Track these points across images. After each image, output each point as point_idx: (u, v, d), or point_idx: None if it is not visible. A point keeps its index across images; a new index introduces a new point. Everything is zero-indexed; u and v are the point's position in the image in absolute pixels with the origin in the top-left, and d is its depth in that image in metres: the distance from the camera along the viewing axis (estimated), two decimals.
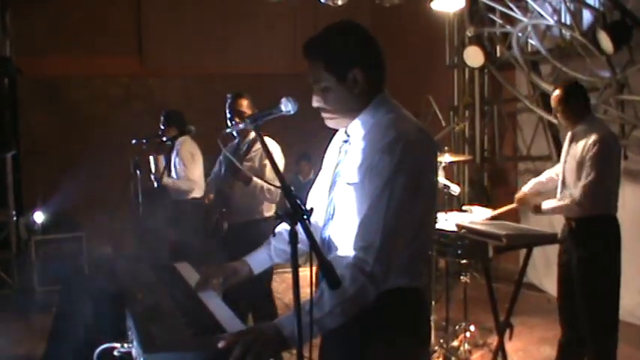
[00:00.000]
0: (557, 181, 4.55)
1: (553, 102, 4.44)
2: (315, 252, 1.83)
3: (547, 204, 4.40)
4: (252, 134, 5.06)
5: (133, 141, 6.30)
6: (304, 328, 1.85)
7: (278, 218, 1.91)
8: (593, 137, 4.18)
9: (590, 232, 4.26)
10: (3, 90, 7.45)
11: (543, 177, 4.84)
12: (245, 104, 5.05)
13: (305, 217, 1.85)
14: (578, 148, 4.28)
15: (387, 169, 2.10)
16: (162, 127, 6.75)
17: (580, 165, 4.22)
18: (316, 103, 2.30)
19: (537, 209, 4.45)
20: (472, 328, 5.37)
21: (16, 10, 8.25)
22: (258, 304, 4.94)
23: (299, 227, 1.86)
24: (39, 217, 8.09)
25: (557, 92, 4.41)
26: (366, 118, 2.27)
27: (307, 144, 7.71)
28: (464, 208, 5.47)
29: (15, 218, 7.92)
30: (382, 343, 2.20)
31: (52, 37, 8.79)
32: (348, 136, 2.32)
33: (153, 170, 6.38)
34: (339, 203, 2.27)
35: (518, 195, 4.91)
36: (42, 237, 7.95)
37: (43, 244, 7.89)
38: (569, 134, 4.46)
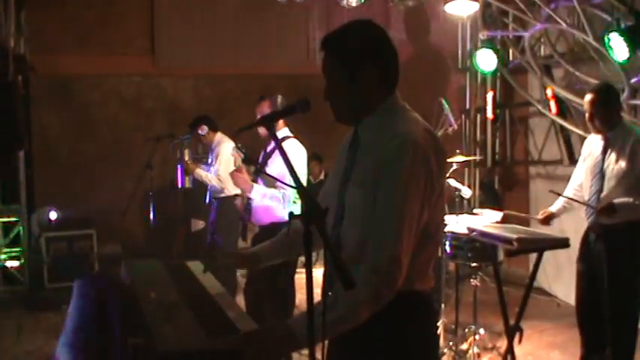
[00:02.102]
0: (582, 194, 4.50)
1: (591, 105, 4.32)
2: (331, 253, 1.83)
3: (621, 201, 4.17)
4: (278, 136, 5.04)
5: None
6: (317, 330, 1.85)
7: (293, 219, 1.90)
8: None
9: (628, 236, 4.24)
10: (16, 88, 7.48)
11: (570, 194, 4.75)
12: (267, 105, 5.04)
13: (320, 218, 1.85)
14: (620, 152, 4.22)
15: (397, 172, 2.10)
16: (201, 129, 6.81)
17: (628, 170, 4.18)
18: (327, 98, 2.31)
19: (610, 209, 4.18)
20: (481, 331, 5.35)
21: (31, 8, 8.30)
22: (278, 296, 4.92)
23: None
24: (53, 215, 8.13)
25: (593, 95, 4.32)
26: (376, 118, 2.27)
27: (318, 144, 7.72)
28: (475, 211, 5.46)
29: (26, 215, 7.96)
30: (389, 345, 2.20)
31: (65, 36, 8.83)
32: (358, 136, 2.33)
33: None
34: (348, 204, 2.27)
35: (544, 214, 4.76)
36: (53, 234, 7.98)
37: (53, 241, 7.93)
38: (598, 138, 4.39)
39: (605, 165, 4.29)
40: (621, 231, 4.21)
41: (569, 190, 4.71)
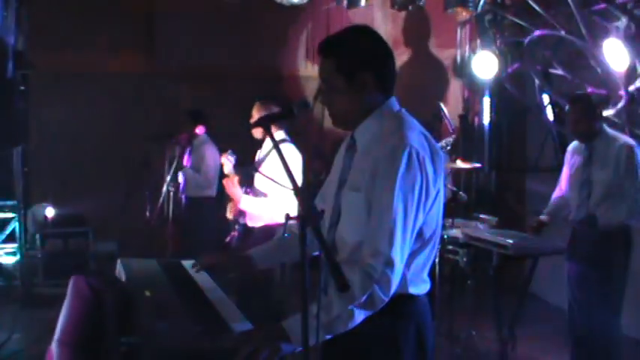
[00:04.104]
0: (567, 199, 4.53)
1: (574, 113, 4.38)
2: (326, 255, 1.83)
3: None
4: (268, 141, 5.03)
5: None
6: (311, 331, 1.86)
7: (288, 220, 1.91)
8: (625, 148, 4.19)
9: (622, 241, 4.27)
10: (15, 84, 7.47)
11: (556, 201, 4.77)
12: (264, 107, 5.04)
13: (316, 220, 1.85)
14: (605, 161, 4.25)
15: (392, 177, 2.11)
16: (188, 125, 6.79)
17: (614, 179, 4.20)
18: (324, 102, 2.32)
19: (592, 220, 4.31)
20: (475, 336, 5.36)
21: (31, 5, 8.29)
22: (273, 295, 4.92)
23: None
24: (50, 212, 8.12)
25: (576, 104, 4.37)
26: (372, 122, 2.28)
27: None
28: (471, 215, 5.47)
29: (22, 211, 7.95)
30: (383, 348, 2.21)
31: (65, 33, 8.82)
32: (354, 140, 2.33)
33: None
34: (343, 207, 2.28)
35: (534, 224, 4.79)
36: (48, 231, 7.97)
37: (49, 238, 7.91)
38: (582, 147, 4.42)
39: (591, 174, 4.32)
40: (612, 233, 4.24)
41: (556, 196, 4.74)
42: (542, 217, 4.74)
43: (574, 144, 4.57)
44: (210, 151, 6.74)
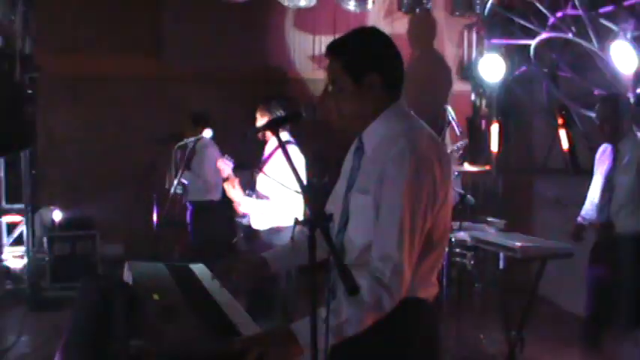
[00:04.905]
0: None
1: (601, 113, 4.35)
2: (335, 258, 1.83)
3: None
4: (270, 143, 5.02)
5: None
6: (319, 335, 1.85)
7: (297, 224, 1.91)
8: None
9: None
10: (23, 87, 7.50)
11: (589, 201, 4.73)
12: (258, 112, 5.04)
13: (325, 223, 1.85)
14: (629, 164, 4.22)
15: (400, 180, 2.10)
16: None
17: (635, 181, 4.17)
18: (331, 103, 2.31)
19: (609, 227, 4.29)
20: (483, 339, 5.34)
21: (38, 8, 8.32)
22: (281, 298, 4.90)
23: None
24: (57, 215, 8.14)
25: (604, 104, 4.35)
26: (379, 125, 2.27)
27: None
28: (478, 218, 5.46)
29: (30, 215, 7.97)
30: (391, 352, 2.20)
31: (72, 36, 8.85)
32: (362, 142, 2.33)
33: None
34: (352, 210, 2.27)
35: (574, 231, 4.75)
36: (56, 234, 7.99)
37: (57, 241, 7.93)
38: (609, 148, 4.40)
39: (615, 176, 4.29)
40: (633, 240, 4.21)
41: (589, 198, 4.70)
42: (580, 220, 4.70)
43: (605, 145, 4.55)
44: (210, 155, 6.71)
